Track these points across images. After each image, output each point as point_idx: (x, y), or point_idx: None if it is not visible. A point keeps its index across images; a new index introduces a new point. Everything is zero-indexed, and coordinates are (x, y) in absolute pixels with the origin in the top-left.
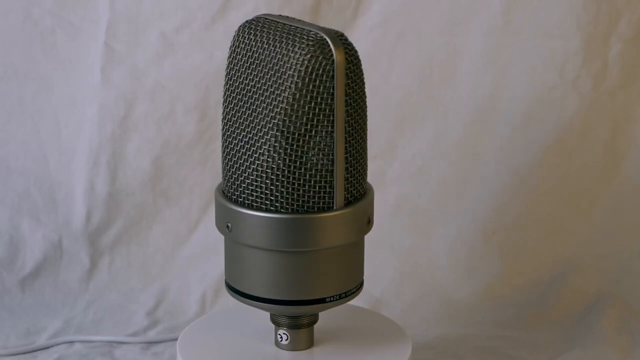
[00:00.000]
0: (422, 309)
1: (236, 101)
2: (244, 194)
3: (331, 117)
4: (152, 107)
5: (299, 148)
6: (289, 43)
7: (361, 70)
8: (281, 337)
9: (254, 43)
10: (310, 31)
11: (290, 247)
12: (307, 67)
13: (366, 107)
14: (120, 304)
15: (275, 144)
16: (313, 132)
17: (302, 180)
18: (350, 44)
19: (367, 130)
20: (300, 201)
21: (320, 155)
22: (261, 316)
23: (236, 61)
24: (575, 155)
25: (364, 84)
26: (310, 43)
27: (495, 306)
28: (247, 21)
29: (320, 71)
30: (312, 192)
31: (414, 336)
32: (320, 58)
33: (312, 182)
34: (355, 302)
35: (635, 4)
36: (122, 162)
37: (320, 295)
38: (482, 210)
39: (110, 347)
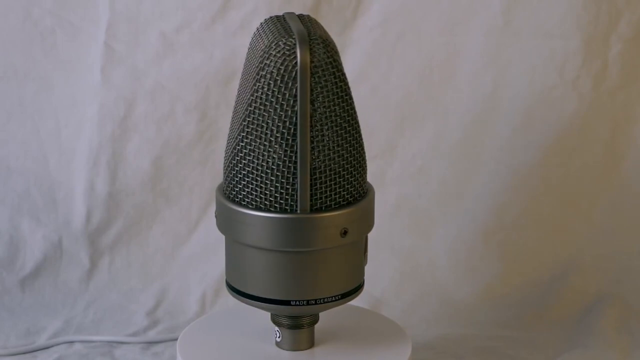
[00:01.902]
0: (422, 309)
1: (236, 101)
2: (242, 192)
3: (294, 119)
4: (152, 107)
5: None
6: (266, 43)
7: (336, 73)
8: (276, 334)
9: (253, 41)
10: (292, 33)
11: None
12: (269, 65)
13: (351, 108)
14: (120, 304)
15: (260, 145)
16: (279, 132)
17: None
18: (323, 47)
19: (359, 130)
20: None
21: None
22: (261, 316)
23: (245, 58)
24: (575, 155)
25: (342, 85)
26: (279, 43)
27: (495, 306)
28: (266, 19)
29: (279, 71)
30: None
31: (414, 336)
32: (282, 59)
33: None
34: (355, 302)
35: (635, 4)
36: (122, 162)
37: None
38: (482, 210)
39: (110, 347)
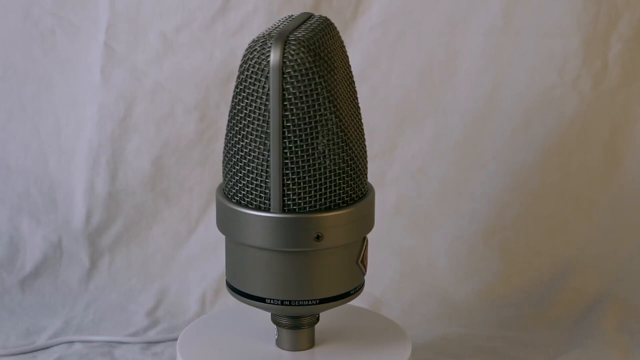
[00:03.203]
0: (422, 309)
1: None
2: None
3: (266, 116)
4: (152, 107)
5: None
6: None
7: (311, 75)
8: (275, 333)
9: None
10: (276, 30)
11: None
12: (246, 63)
13: (331, 112)
14: (120, 304)
15: (243, 142)
16: (257, 130)
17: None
18: (300, 48)
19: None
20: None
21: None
22: (261, 316)
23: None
24: (575, 155)
25: (320, 89)
26: (259, 41)
27: (495, 306)
28: (280, 18)
29: (254, 69)
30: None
31: (414, 336)
32: (257, 55)
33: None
34: (355, 302)
35: (635, 4)
36: (122, 162)
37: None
38: (482, 210)
39: (110, 347)
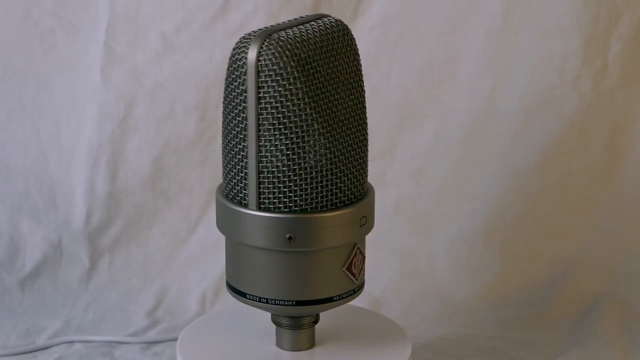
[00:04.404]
0: (422, 309)
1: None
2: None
3: (245, 113)
4: (152, 107)
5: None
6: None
7: (285, 76)
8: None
9: None
10: (263, 29)
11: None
12: (231, 59)
13: (305, 113)
14: (120, 304)
15: (234, 141)
16: (238, 127)
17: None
18: (277, 48)
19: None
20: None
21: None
22: (261, 316)
23: None
24: (575, 155)
25: (295, 90)
26: (242, 39)
27: (495, 306)
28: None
29: (235, 66)
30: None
31: (414, 336)
32: (238, 52)
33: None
34: (355, 302)
35: (635, 4)
36: (122, 162)
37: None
38: (482, 210)
39: (110, 347)
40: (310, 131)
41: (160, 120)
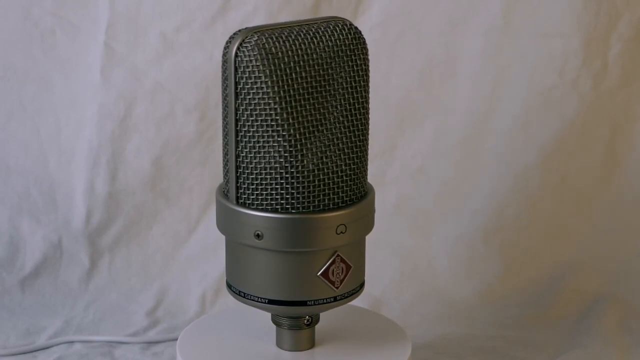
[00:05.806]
0: (422, 309)
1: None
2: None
3: (227, 109)
4: (152, 107)
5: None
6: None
7: (263, 71)
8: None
9: None
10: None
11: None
12: (222, 55)
13: (287, 112)
14: (120, 304)
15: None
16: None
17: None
18: (254, 46)
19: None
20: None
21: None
22: (261, 316)
23: None
24: (575, 155)
25: (276, 89)
26: (229, 37)
27: (495, 306)
28: None
29: (222, 62)
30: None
31: (414, 336)
32: (225, 51)
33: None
34: (355, 302)
35: (635, 4)
36: (122, 162)
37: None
38: (482, 210)
39: (110, 347)
40: (291, 131)
41: (160, 120)
